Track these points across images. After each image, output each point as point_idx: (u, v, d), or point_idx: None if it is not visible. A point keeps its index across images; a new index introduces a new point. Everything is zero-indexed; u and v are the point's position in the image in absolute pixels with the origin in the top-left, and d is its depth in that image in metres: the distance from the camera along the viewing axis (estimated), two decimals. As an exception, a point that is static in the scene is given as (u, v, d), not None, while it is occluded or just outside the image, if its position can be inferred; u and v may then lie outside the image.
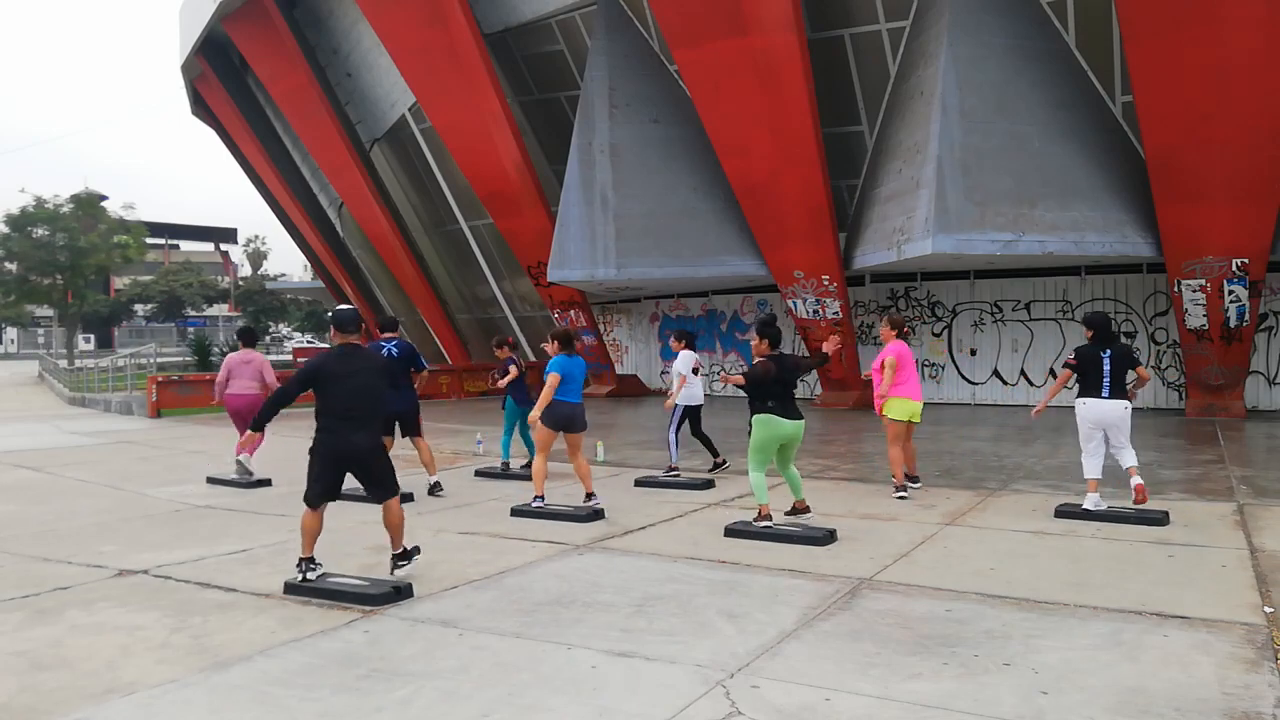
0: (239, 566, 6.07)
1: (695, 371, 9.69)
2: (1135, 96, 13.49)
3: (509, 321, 25.67)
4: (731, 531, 6.79)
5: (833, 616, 4.87)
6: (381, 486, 5.66)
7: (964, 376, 18.88)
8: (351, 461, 5.57)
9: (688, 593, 5.33)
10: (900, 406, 8.20)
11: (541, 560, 6.16)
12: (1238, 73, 12.47)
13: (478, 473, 9.96)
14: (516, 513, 7.66)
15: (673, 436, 9.52)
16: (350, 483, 5.71)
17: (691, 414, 9.79)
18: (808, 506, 7.14)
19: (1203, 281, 14.48)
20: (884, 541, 6.57)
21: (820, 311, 17.51)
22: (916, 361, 18.75)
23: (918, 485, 8.63)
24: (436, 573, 5.77)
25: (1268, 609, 4.90)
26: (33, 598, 5.39)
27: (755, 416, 6.81)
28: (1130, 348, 7.48)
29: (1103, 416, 7.27)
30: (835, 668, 4.12)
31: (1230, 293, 14.41)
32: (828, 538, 6.53)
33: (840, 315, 17.43)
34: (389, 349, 8.78)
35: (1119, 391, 7.23)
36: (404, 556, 5.63)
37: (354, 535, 7.03)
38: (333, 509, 8.06)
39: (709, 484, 9.01)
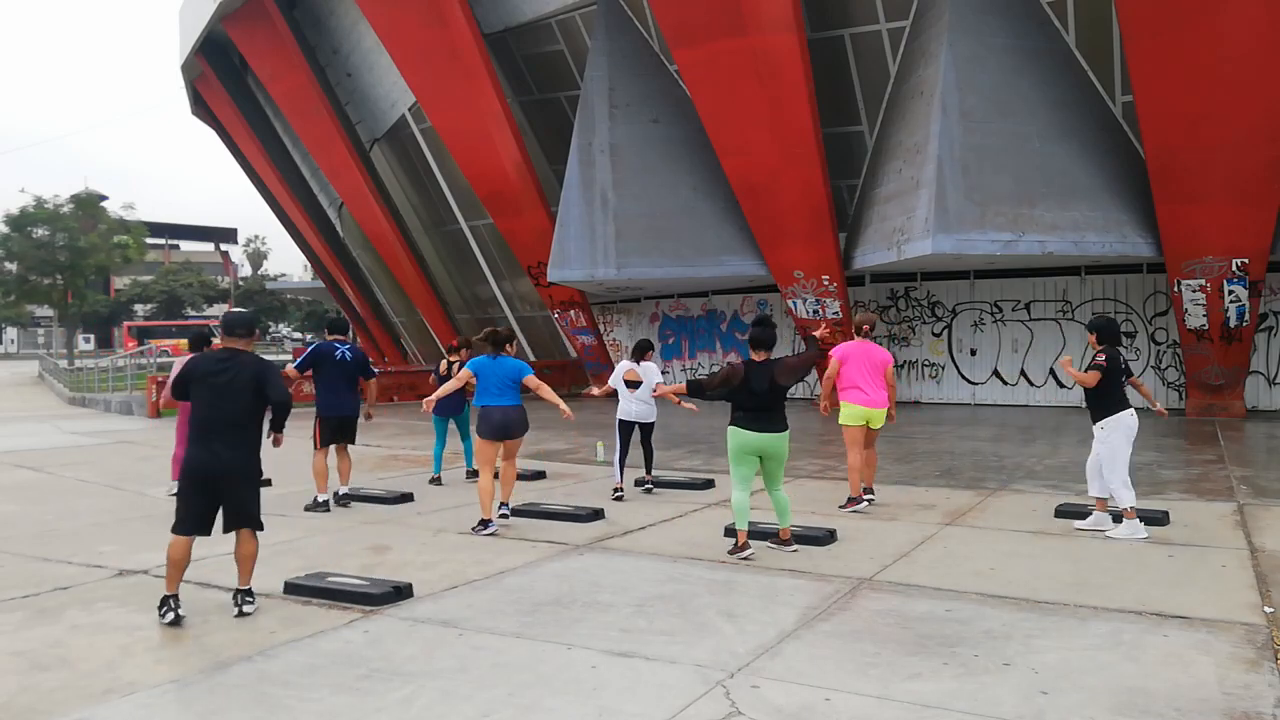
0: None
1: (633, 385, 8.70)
2: (1135, 96, 13.49)
3: (509, 321, 25.67)
4: (732, 531, 6.78)
5: (833, 616, 4.87)
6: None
7: (964, 376, 18.86)
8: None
9: (688, 593, 5.33)
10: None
11: (541, 560, 6.16)
12: (1238, 73, 12.46)
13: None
14: (516, 513, 7.66)
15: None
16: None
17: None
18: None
19: (1203, 281, 14.47)
20: (884, 541, 6.57)
21: (820, 311, 17.50)
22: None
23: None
24: (436, 573, 5.76)
25: (1268, 609, 4.90)
26: (33, 598, 5.39)
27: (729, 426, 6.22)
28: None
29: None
30: (835, 668, 4.12)
31: (1230, 293, 14.41)
32: (828, 538, 6.53)
33: (840, 315, 17.42)
34: (342, 352, 8.60)
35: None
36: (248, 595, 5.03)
37: (354, 535, 7.03)
38: (334, 509, 8.12)
39: (709, 484, 9.02)
